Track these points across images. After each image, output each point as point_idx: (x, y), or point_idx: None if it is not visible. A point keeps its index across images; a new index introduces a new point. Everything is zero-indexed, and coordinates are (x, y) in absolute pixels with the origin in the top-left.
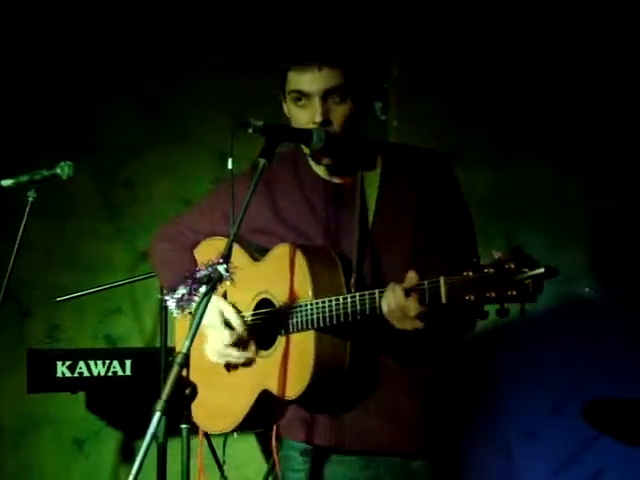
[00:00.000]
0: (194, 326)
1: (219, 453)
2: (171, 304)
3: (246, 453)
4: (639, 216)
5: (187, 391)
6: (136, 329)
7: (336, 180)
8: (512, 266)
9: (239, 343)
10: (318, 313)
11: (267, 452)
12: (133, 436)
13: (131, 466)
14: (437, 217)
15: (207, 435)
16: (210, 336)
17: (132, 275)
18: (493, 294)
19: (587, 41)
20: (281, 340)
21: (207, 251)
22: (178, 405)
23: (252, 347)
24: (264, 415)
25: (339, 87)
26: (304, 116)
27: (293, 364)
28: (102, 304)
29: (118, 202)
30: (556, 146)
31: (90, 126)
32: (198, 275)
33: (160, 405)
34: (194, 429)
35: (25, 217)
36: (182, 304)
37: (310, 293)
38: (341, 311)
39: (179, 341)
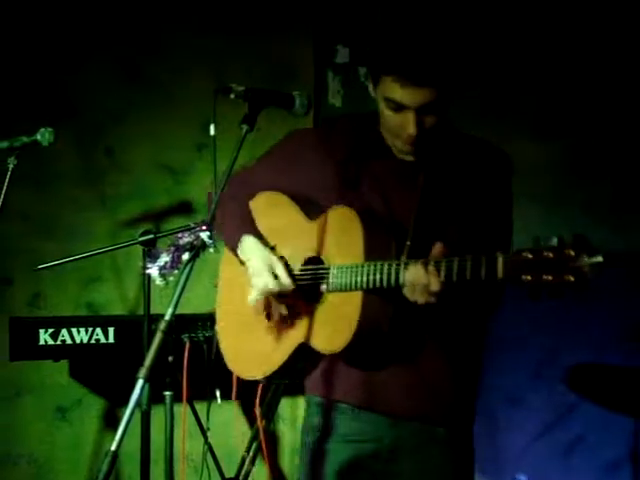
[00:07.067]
0: (178, 292)
1: (203, 420)
2: (154, 272)
3: (230, 420)
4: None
5: (170, 358)
6: (117, 297)
7: (405, 158)
8: (572, 253)
9: (282, 294)
10: (365, 275)
11: (251, 419)
12: (116, 404)
13: (114, 433)
14: (487, 208)
15: (191, 402)
16: (254, 286)
17: (113, 243)
18: (550, 277)
19: (568, 5)
20: (327, 296)
21: (265, 204)
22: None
23: (297, 298)
24: (296, 367)
25: (433, 102)
26: (396, 121)
27: (337, 320)
28: (83, 272)
29: (99, 169)
30: (539, 113)
31: (70, 92)
32: (181, 242)
33: (143, 372)
34: (177, 396)
35: (6, 184)
36: (165, 272)
37: (362, 256)
38: (385, 276)
39: (222, 290)
